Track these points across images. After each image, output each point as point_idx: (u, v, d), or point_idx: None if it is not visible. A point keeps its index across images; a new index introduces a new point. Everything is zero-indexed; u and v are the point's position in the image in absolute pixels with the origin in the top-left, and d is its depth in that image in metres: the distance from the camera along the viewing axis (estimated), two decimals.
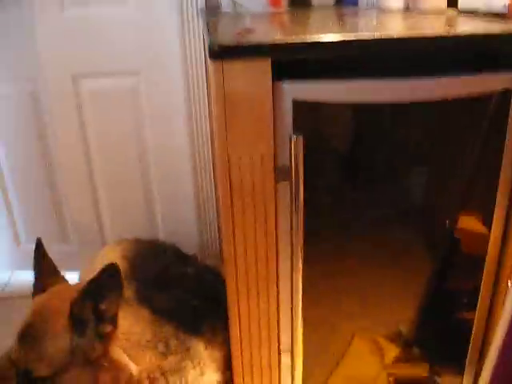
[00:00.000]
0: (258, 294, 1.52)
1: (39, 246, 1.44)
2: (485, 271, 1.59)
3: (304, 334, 1.58)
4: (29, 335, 1.27)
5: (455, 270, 1.75)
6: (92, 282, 1.28)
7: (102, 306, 1.29)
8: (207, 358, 1.61)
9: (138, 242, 2.08)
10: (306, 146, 1.34)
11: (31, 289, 2.56)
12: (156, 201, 2.47)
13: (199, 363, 1.58)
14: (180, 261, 1.98)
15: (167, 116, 2.30)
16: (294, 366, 1.62)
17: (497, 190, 1.45)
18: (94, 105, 2.28)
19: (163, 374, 1.48)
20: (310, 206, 1.42)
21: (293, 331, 1.57)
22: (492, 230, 1.51)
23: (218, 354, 1.64)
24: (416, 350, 1.87)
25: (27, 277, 2.66)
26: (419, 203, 1.73)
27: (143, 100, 2.28)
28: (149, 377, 1.45)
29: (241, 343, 1.60)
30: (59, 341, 1.26)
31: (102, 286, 1.27)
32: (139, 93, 2.26)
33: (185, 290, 1.72)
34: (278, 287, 1.53)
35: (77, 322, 1.28)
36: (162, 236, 2.44)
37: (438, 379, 1.84)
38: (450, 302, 1.78)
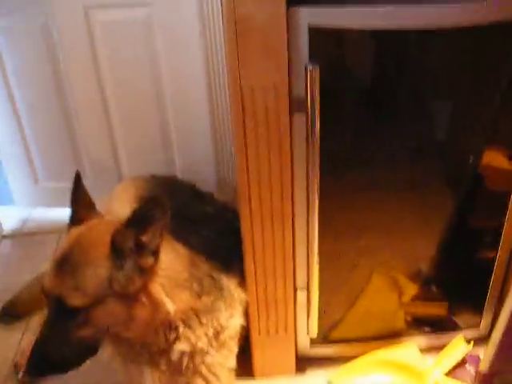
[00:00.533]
0: (272, 228, 1.50)
1: (77, 179, 1.41)
2: (509, 208, 1.55)
3: (320, 270, 1.56)
4: (66, 264, 1.25)
5: (478, 207, 1.71)
6: (136, 212, 1.25)
7: (145, 238, 1.26)
8: (237, 300, 1.60)
9: (153, 179, 2.05)
10: (322, 76, 1.29)
11: (51, 225, 2.62)
12: (172, 136, 2.44)
13: (230, 305, 1.56)
14: (197, 199, 1.95)
15: (182, 48, 2.24)
16: (310, 303, 1.61)
17: None
18: (107, 37, 2.24)
19: (197, 314, 1.47)
20: (326, 139, 1.37)
21: (309, 267, 1.55)
22: None
23: (244, 297, 1.62)
24: (435, 289, 1.85)
25: (46, 214, 2.74)
26: (442, 137, 1.66)
27: (157, 31, 2.22)
28: (182, 317, 1.43)
29: (256, 279, 1.59)
30: (98, 271, 1.24)
31: (146, 217, 1.24)
32: (152, 24, 2.20)
33: (210, 228, 1.68)
34: (293, 222, 1.50)
35: (117, 253, 1.26)
36: (178, 173, 2.42)
37: (456, 318, 1.83)
38: (471, 241, 1.75)
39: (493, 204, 1.64)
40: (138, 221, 1.25)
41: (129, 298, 1.28)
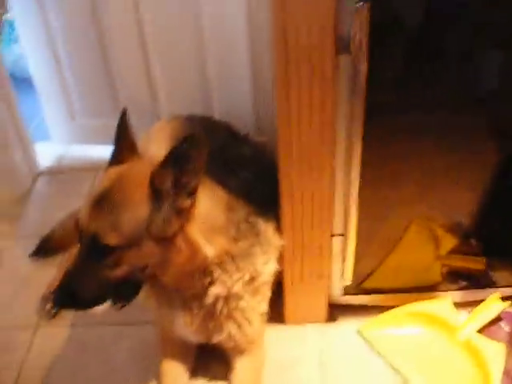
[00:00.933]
0: (311, 173, 1.46)
1: (123, 116, 1.38)
2: None
3: (358, 218, 1.53)
4: (105, 202, 1.24)
5: None
6: (173, 152, 1.23)
7: (183, 179, 1.24)
8: (272, 246, 1.58)
9: (190, 119, 2.02)
10: (371, 16, 1.22)
11: (87, 162, 2.63)
12: (211, 76, 2.40)
13: (266, 250, 1.54)
14: (234, 141, 1.92)
15: None
16: (346, 250, 1.60)
17: None
18: None
19: (233, 259, 1.45)
20: (370, 84, 1.32)
21: (346, 213, 1.52)
22: None
23: (280, 243, 1.60)
24: (474, 243, 1.81)
25: (82, 151, 2.75)
26: (492, 89, 1.59)
27: None
28: (218, 262, 1.42)
29: (292, 225, 1.56)
30: (136, 212, 1.23)
31: (185, 158, 1.21)
32: None
33: (246, 171, 1.65)
34: (333, 167, 1.47)
35: (156, 194, 1.24)
36: (216, 114, 2.39)
37: (494, 274, 1.80)
38: None
39: None
40: (176, 161, 1.22)
41: (165, 241, 1.27)
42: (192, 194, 1.27)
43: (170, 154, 1.23)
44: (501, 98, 1.57)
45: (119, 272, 1.27)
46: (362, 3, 1.21)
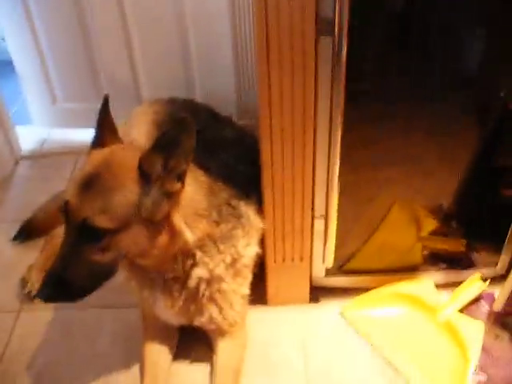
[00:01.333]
0: (293, 154, 1.47)
1: (105, 102, 1.38)
2: None
3: (339, 200, 1.54)
4: (94, 185, 1.23)
5: (505, 144, 1.65)
6: (163, 136, 1.23)
7: (172, 162, 1.24)
8: (254, 228, 1.58)
9: (172, 102, 2.01)
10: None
11: (69, 146, 2.62)
12: (193, 58, 2.39)
13: (248, 233, 1.55)
14: (216, 123, 1.92)
15: None
16: (327, 231, 1.60)
17: None
18: None
19: (214, 242, 1.46)
20: (352, 67, 1.33)
21: (328, 196, 1.53)
22: None
23: (262, 225, 1.61)
24: (455, 225, 1.83)
25: (64, 134, 2.73)
26: (473, 70, 1.59)
27: None
28: (200, 245, 1.43)
29: (273, 207, 1.57)
30: (128, 195, 1.23)
31: (173, 141, 1.22)
32: None
33: (228, 154, 1.66)
34: (314, 148, 1.47)
35: (145, 177, 1.24)
36: (198, 97, 2.38)
37: (475, 255, 1.82)
38: (495, 179, 1.72)
39: None
40: (165, 145, 1.23)
41: (153, 225, 1.28)
42: (181, 177, 1.27)
43: (159, 138, 1.23)
44: (483, 78, 1.58)
45: (107, 257, 1.27)
46: None
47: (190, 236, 1.37)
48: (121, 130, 1.90)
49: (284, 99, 1.38)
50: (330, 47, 1.31)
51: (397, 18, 1.47)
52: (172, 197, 1.28)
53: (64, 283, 1.27)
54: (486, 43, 1.53)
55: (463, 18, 1.46)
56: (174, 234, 1.33)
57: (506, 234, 1.71)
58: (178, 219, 1.33)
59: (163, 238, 1.31)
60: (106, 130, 1.37)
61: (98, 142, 1.36)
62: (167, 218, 1.30)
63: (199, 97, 2.38)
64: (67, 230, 1.28)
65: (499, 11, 1.43)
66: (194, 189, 1.39)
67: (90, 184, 1.24)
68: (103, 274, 1.31)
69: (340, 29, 1.26)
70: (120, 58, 2.42)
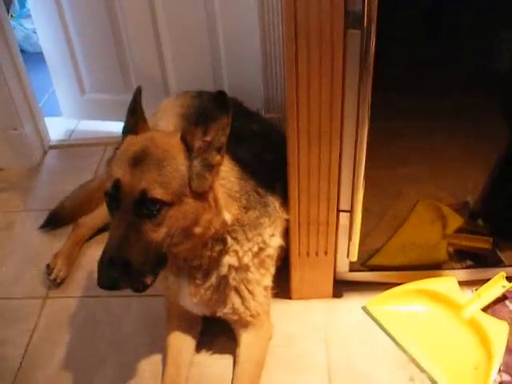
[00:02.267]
0: (319, 148, 1.47)
1: (138, 92, 1.43)
2: None
3: (365, 196, 1.54)
4: (146, 161, 1.27)
5: None
6: (202, 113, 1.32)
7: (211, 134, 1.30)
8: (279, 219, 1.61)
9: (200, 96, 2.02)
10: None
11: (96, 137, 2.65)
12: (222, 52, 2.40)
13: (273, 222, 1.58)
14: (243, 116, 1.92)
15: None
16: (352, 226, 1.60)
17: None
18: None
19: (243, 228, 1.49)
20: (380, 61, 1.32)
21: (353, 190, 1.53)
22: None
23: (286, 218, 1.63)
24: (481, 223, 1.81)
25: (91, 125, 2.77)
26: (504, 67, 1.57)
27: None
28: (230, 230, 1.46)
29: (299, 200, 1.57)
30: (179, 166, 1.29)
31: (211, 114, 1.29)
32: None
33: (255, 146, 1.69)
34: (341, 143, 1.47)
35: (189, 150, 1.31)
36: (226, 91, 2.37)
37: (501, 253, 1.80)
38: None
39: None
40: (204, 119, 1.30)
41: (200, 198, 1.32)
42: (220, 150, 1.33)
43: (199, 115, 1.32)
44: (508, 78, 1.56)
45: (161, 234, 1.28)
46: None
47: (227, 216, 1.42)
48: (150, 122, 1.94)
49: (311, 93, 1.38)
50: (358, 41, 1.30)
51: (426, 10, 1.46)
52: (213, 168, 1.33)
53: (124, 264, 1.25)
54: None
55: (496, 16, 1.44)
56: (217, 210, 1.38)
57: None
58: (221, 192, 1.39)
59: (207, 215, 1.35)
60: (138, 119, 1.41)
61: (132, 129, 1.39)
62: (211, 190, 1.35)
63: (227, 91, 2.36)
64: (121, 209, 1.27)
65: None
66: (228, 170, 1.45)
67: (141, 160, 1.27)
68: (158, 255, 1.32)
69: (369, 22, 1.26)
70: (149, 50, 2.44)
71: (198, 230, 1.35)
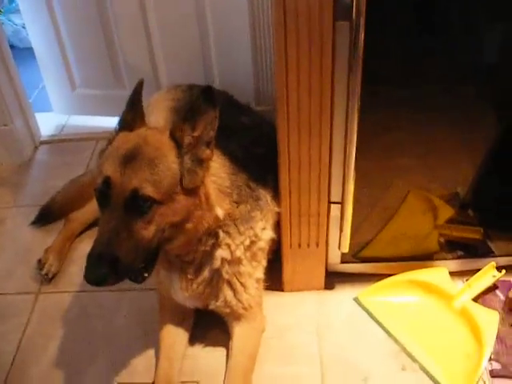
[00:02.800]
0: (309, 140, 1.47)
1: (139, 86, 1.42)
2: None
3: (356, 187, 1.54)
4: (137, 159, 1.27)
5: None
6: (190, 108, 1.32)
7: (200, 129, 1.31)
8: (270, 212, 1.61)
9: (190, 89, 2.02)
10: None
11: (87, 132, 2.65)
12: (211, 46, 2.39)
13: (265, 216, 1.58)
14: (234, 109, 1.93)
15: None
16: (343, 217, 1.61)
17: None
18: None
19: (235, 222, 1.49)
20: (369, 51, 1.32)
21: (344, 182, 1.54)
22: None
23: (277, 211, 1.63)
24: (471, 213, 1.82)
25: (82, 121, 2.76)
26: (493, 61, 1.58)
27: None
28: (221, 224, 1.46)
29: (290, 191, 1.58)
30: (170, 164, 1.29)
31: (199, 109, 1.29)
32: None
33: (246, 139, 1.69)
34: (331, 134, 1.47)
35: (178, 146, 1.31)
36: (217, 84, 2.38)
37: (491, 244, 1.81)
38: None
39: None
40: (192, 113, 1.30)
41: (191, 194, 1.32)
42: (209, 144, 1.33)
43: (187, 110, 1.32)
44: (500, 69, 1.56)
45: (151, 231, 1.28)
46: None
47: (219, 211, 1.42)
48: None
49: (301, 84, 1.38)
50: (347, 32, 1.30)
51: (416, 1, 1.46)
52: (204, 163, 1.33)
53: (113, 260, 1.24)
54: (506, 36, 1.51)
55: (486, 8, 1.44)
56: (208, 206, 1.38)
57: None
58: (212, 188, 1.40)
59: (199, 211, 1.36)
60: (136, 114, 1.41)
61: (128, 125, 1.39)
62: (202, 186, 1.35)
63: (218, 84, 2.39)
64: (111, 206, 1.27)
65: None
66: (218, 165, 1.45)
67: (133, 158, 1.27)
68: (149, 251, 1.32)
69: (357, 14, 1.26)
70: (139, 45, 2.42)
71: (189, 225, 1.36)
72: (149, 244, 1.30)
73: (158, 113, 1.91)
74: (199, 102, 1.29)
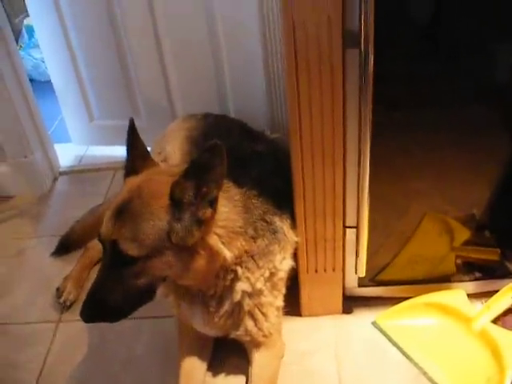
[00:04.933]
0: (323, 166, 1.49)
1: (131, 126, 1.40)
2: None
3: (371, 211, 1.55)
4: (125, 213, 1.26)
5: None
6: (194, 162, 1.24)
7: (204, 189, 1.25)
8: (289, 243, 1.60)
9: (205, 119, 2.05)
10: (379, 10, 1.24)
11: (105, 163, 2.69)
12: (226, 75, 2.41)
13: (283, 247, 1.57)
14: (248, 138, 1.93)
15: None
16: (359, 241, 1.61)
17: None
18: None
19: (253, 257, 1.48)
20: (380, 78, 1.34)
21: (359, 206, 1.54)
22: None
23: (295, 240, 1.63)
24: (488, 235, 1.81)
25: (100, 151, 2.81)
26: (504, 81, 1.58)
27: None
28: (239, 261, 1.45)
29: (305, 217, 1.59)
30: (157, 223, 1.25)
31: (206, 168, 1.22)
32: None
33: (261, 168, 1.66)
34: (344, 161, 1.49)
35: (177, 205, 1.25)
36: (231, 112, 2.41)
37: (509, 265, 1.80)
38: None
39: None
40: (196, 171, 1.23)
41: (186, 250, 1.29)
42: (213, 203, 1.28)
43: (191, 165, 1.24)
44: (509, 91, 1.57)
45: (142, 281, 1.29)
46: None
47: (228, 254, 1.39)
48: (157, 146, 1.96)
49: (313, 111, 1.40)
50: (356, 59, 1.32)
51: (423, 27, 1.47)
52: (204, 222, 1.29)
53: (102, 305, 1.31)
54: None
55: (494, 31, 1.46)
56: (212, 255, 1.35)
57: None
58: (214, 241, 1.35)
59: (199, 262, 1.33)
60: (136, 157, 1.40)
61: (131, 170, 1.38)
62: (202, 241, 1.31)
63: (232, 112, 2.41)
64: (103, 254, 1.32)
65: None
66: (229, 209, 1.41)
67: (122, 211, 1.27)
68: (140, 297, 1.33)
69: (366, 41, 1.28)
70: (154, 76, 2.47)
71: (192, 274, 1.36)
72: (146, 290, 1.33)
73: (173, 142, 1.94)
74: (206, 156, 1.21)
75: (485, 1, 1.39)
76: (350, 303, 1.82)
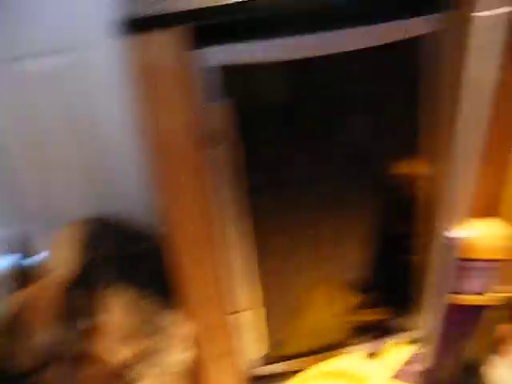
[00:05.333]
0: (201, 259, 1.52)
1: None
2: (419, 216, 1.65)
3: (262, 290, 1.61)
4: (11, 328, 1.26)
5: (397, 214, 1.75)
6: (76, 274, 1.28)
7: (84, 302, 1.28)
8: (178, 338, 1.61)
9: (85, 223, 2.02)
10: (237, 108, 1.33)
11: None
12: (97, 179, 2.27)
13: (172, 343, 1.58)
14: (130, 238, 1.90)
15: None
16: (253, 324, 1.66)
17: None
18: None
19: (142, 358, 1.48)
20: (253, 164, 1.42)
21: (250, 289, 1.60)
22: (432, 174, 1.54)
23: (186, 332, 1.64)
24: (375, 295, 1.88)
25: None
26: (360, 152, 1.66)
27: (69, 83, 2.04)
28: (128, 365, 1.44)
29: (192, 310, 1.60)
30: (42, 334, 1.26)
31: (87, 278, 1.28)
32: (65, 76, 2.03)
33: (146, 267, 1.68)
34: (224, 250, 1.53)
35: (62, 316, 1.27)
36: (112, 212, 2.31)
37: (399, 322, 1.89)
38: (395, 246, 1.81)
39: (407, 210, 1.70)
40: (80, 282, 1.28)
41: (74, 360, 1.30)
42: (94, 314, 1.31)
43: (72, 277, 1.30)
44: (374, 155, 1.66)
45: None
46: (222, 101, 1.31)
47: (116, 360, 1.39)
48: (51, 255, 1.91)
49: (184, 207, 1.44)
50: (221, 156, 1.38)
51: (280, 111, 1.53)
52: (91, 331, 1.30)
53: None
54: (365, 129, 1.61)
55: (348, 110, 1.55)
56: (100, 362, 1.35)
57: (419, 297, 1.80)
58: (101, 347, 1.36)
59: (89, 369, 1.33)
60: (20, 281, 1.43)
61: (19, 284, 1.41)
62: (89, 349, 1.32)
63: (113, 212, 2.25)
64: None
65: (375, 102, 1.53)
66: (118, 313, 1.42)
67: (8, 327, 1.27)
68: None
69: (226, 139, 1.35)
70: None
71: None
72: None
73: (58, 250, 1.90)
74: (88, 269, 1.30)
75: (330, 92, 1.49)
76: (254, 382, 1.84)
